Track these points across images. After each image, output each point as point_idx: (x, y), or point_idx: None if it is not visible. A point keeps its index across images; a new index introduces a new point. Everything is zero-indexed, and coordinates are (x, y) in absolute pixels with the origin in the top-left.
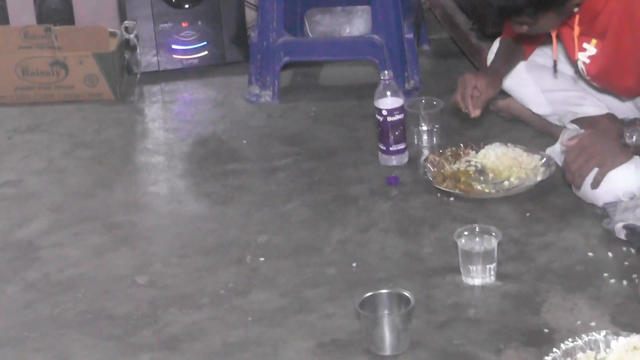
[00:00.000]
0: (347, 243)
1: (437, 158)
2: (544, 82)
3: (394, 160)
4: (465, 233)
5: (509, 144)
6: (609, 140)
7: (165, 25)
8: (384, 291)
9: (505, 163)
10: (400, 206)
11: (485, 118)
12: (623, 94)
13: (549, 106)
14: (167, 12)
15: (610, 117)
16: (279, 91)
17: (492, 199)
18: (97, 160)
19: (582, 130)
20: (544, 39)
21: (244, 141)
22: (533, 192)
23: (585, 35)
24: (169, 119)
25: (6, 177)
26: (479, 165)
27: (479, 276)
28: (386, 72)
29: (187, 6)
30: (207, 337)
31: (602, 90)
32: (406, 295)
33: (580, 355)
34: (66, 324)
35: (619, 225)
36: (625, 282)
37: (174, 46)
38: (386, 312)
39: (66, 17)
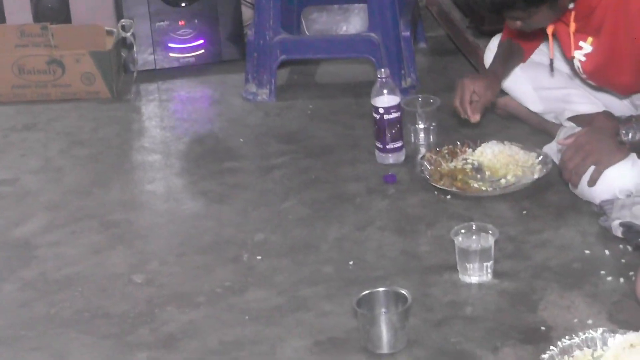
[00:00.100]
0: (344, 241)
1: (434, 156)
2: (539, 80)
3: (390, 158)
4: (462, 231)
5: (505, 142)
6: (605, 138)
7: (162, 23)
8: (381, 289)
9: (502, 161)
10: (397, 204)
11: (482, 116)
12: (619, 92)
13: (542, 104)
14: (164, 11)
15: (606, 114)
16: (275, 89)
17: (489, 197)
18: (93, 158)
19: (579, 128)
20: (542, 39)
21: (241, 139)
22: (530, 190)
23: (581, 32)
24: (165, 117)
25: (3, 175)
26: (476, 163)
27: (476, 274)
28: (383, 70)
29: (183, 4)
30: (204, 336)
31: (599, 88)
32: (403, 294)
33: (577, 352)
34: (63, 322)
35: (616, 222)
36: (622, 280)
37: (170, 44)
38: (383, 310)
39: (63, 15)
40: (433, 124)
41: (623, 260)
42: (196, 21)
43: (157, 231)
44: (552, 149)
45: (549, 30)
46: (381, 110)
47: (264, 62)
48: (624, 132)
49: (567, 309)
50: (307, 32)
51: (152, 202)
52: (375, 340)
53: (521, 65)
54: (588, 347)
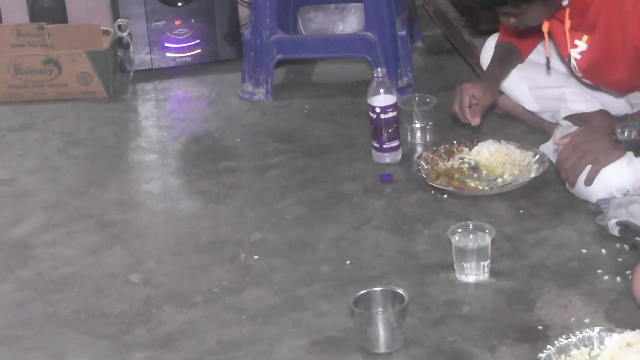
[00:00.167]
0: (341, 240)
1: (430, 155)
2: (534, 80)
3: (387, 158)
4: (459, 230)
5: (502, 141)
6: (602, 137)
7: (158, 23)
8: (378, 289)
9: (498, 160)
10: (393, 203)
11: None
12: (615, 90)
13: (537, 103)
14: (160, 10)
15: (603, 113)
16: (272, 89)
17: (486, 196)
18: (90, 158)
19: (575, 127)
20: (539, 40)
21: (238, 139)
22: (526, 189)
23: (577, 30)
24: (162, 117)
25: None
26: (473, 162)
27: (472, 273)
28: (379, 69)
29: (180, 4)
30: (201, 335)
31: (595, 87)
32: (400, 293)
33: (574, 352)
34: (60, 322)
35: (613, 221)
36: (619, 279)
37: (167, 44)
38: (380, 309)
39: (59, 15)
40: (430, 123)
41: (620, 259)
42: (192, 21)
43: (154, 231)
44: (548, 148)
45: (545, 28)
46: (378, 110)
47: (260, 62)
48: (619, 130)
49: (564, 307)
50: (303, 32)
51: (149, 201)
52: (372, 339)
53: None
54: (585, 346)
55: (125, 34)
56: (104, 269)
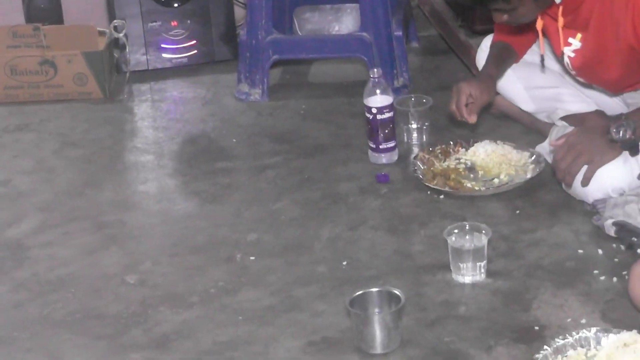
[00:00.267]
0: (337, 241)
1: (426, 156)
2: (530, 80)
3: (383, 158)
4: (455, 230)
5: (498, 141)
6: (597, 137)
7: (154, 24)
8: (375, 289)
9: (494, 160)
10: (390, 204)
11: (478, 117)
12: (609, 88)
13: (533, 104)
14: (156, 11)
15: (598, 113)
16: (268, 89)
17: (482, 196)
18: (86, 159)
19: (571, 127)
20: (534, 39)
21: (234, 139)
22: (523, 189)
23: (570, 28)
24: (158, 118)
25: None
26: (469, 163)
27: (469, 273)
28: (375, 69)
29: (176, 5)
30: (197, 336)
31: (590, 86)
32: (396, 293)
33: (570, 352)
34: (56, 323)
35: (609, 221)
36: (615, 279)
37: (163, 45)
38: (376, 310)
39: (55, 16)
40: (426, 123)
41: (616, 259)
42: (188, 21)
43: (150, 232)
44: (544, 148)
45: (539, 26)
46: (374, 110)
47: (256, 62)
48: (614, 130)
49: (561, 308)
50: (299, 32)
51: (145, 202)
52: (368, 340)
53: (512, 65)
54: (582, 346)
55: (121, 34)
56: (100, 269)
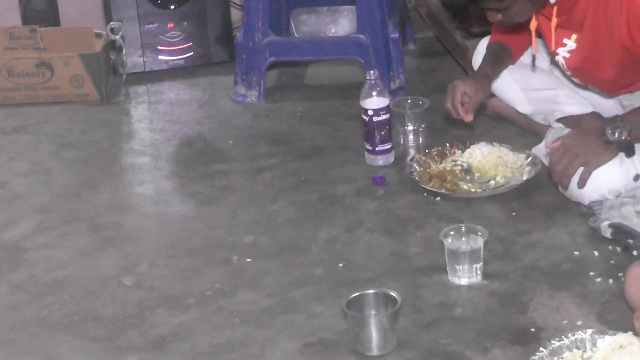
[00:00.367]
0: (333, 243)
1: (423, 157)
2: (526, 82)
3: (380, 160)
4: (452, 232)
5: (494, 143)
6: (593, 138)
7: (151, 26)
8: (371, 291)
9: (491, 162)
10: (386, 206)
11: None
12: (604, 89)
13: (530, 105)
14: (153, 13)
15: (594, 115)
16: (264, 91)
17: (478, 198)
18: (83, 161)
19: (567, 129)
20: (531, 41)
21: (230, 141)
22: (519, 191)
23: (565, 28)
24: (155, 120)
25: None
26: (465, 165)
27: (465, 275)
28: (372, 71)
29: (172, 7)
30: (194, 338)
31: (585, 87)
32: (393, 295)
33: (566, 354)
34: (53, 325)
35: (605, 223)
36: (611, 281)
37: (159, 47)
38: (373, 312)
39: (52, 18)
40: (422, 125)
41: (612, 261)
42: (185, 23)
43: (147, 233)
44: (540, 150)
45: (533, 26)
46: (370, 112)
47: (253, 64)
48: (610, 131)
49: (557, 309)
50: (296, 34)
51: (142, 204)
52: (365, 342)
53: (508, 67)
54: (578, 348)
55: (117, 36)
56: (97, 271)
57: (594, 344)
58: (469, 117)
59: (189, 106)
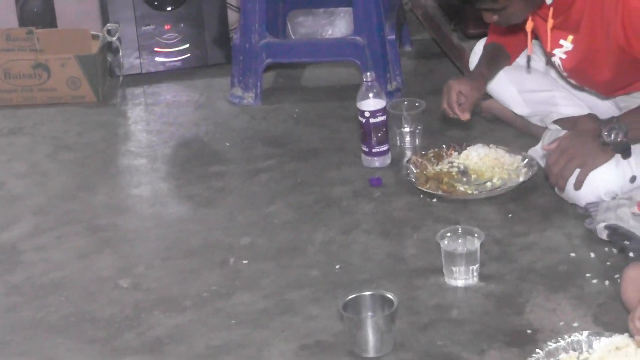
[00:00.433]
0: (330, 245)
1: (419, 159)
2: (524, 83)
3: (376, 162)
4: (448, 234)
5: (491, 145)
6: (589, 140)
7: (148, 27)
8: (367, 293)
9: (487, 164)
10: (383, 207)
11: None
12: (600, 91)
13: (527, 107)
14: (150, 15)
15: (591, 117)
16: (261, 93)
17: (475, 200)
18: (80, 163)
19: (564, 131)
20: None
21: (227, 143)
22: (515, 193)
23: (561, 30)
24: (151, 122)
25: None
26: (462, 167)
27: (462, 277)
28: (368, 73)
29: (169, 8)
30: (190, 340)
31: (581, 88)
32: (389, 297)
33: (563, 355)
34: (50, 327)
35: (601, 225)
36: (607, 282)
37: (156, 48)
38: (369, 314)
39: (48, 19)
40: (419, 127)
41: (608, 263)
42: (182, 25)
43: (144, 235)
44: (537, 152)
45: (529, 27)
46: (367, 114)
47: (249, 66)
48: (606, 133)
49: (553, 311)
50: (292, 36)
51: (139, 206)
52: (361, 343)
53: (505, 68)
54: (574, 350)
55: (114, 38)
56: (94, 273)
57: (590, 346)
58: (465, 116)
59: (185, 108)
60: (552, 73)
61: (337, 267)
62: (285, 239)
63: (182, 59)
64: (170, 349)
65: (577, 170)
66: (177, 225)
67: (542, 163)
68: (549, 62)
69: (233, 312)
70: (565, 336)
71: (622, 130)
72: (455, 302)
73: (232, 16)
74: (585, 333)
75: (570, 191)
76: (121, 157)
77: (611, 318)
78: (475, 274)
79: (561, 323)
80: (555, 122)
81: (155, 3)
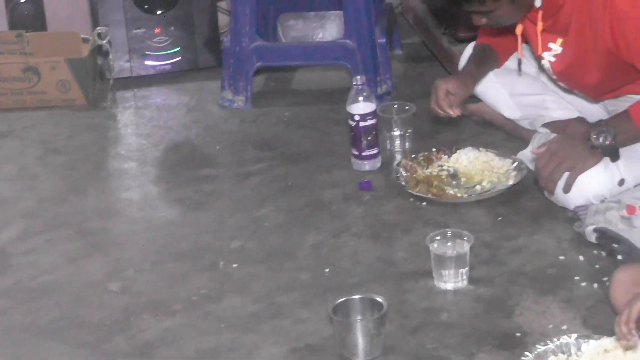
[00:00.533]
0: (320, 248)
1: (409, 162)
2: (514, 86)
3: (366, 165)
4: (438, 237)
5: (481, 148)
6: (578, 143)
7: (138, 31)
8: (357, 296)
9: (477, 167)
10: (373, 211)
11: (457, 122)
12: (589, 94)
13: (518, 110)
14: (140, 18)
15: (580, 120)
16: (252, 96)
17: (465, 203)
18: (69, 166)
19: (553, 135)
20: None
21: (217, 146)
22: (505, 196)
23: (551, 33)
24: (141, 125)
25: None
26: (452, 170)
27: (451, 280)
28: (358, 77)
29: (159, 12)
30: (180, 344)
31: (571, 92)
32: (379, 300)
33: (551, 358)
34: (39, 331)
35: (590, 228)
36: (596, 285)
37: (146, 52)
38: (359, 317)
39: (38, 23)
40: (409, 130)
41: (597, 266)
42: (172, 28)
43: (133, 239)
44: (526, 155)
45: (518, 30)
46: (357, 117)
47: (240, 69)
48: (594, 136)
49: (542, 314)
50: (283, 39)
51: (128, 209)
52: (351, 347)
53: (496, 71)
54: (563, 352)
55: (104, 41)
56: (83, 277)
57: (579, 348)
58: (455, 112)
59: (176, 111)
60: (543, 77)
61: (327, 270)
62: (275, 243)
63: (172, 62)
64: (160, 353)
65: (566, 174)
66: (167, 228)
67: (532, 166)
68: (540, 67)
69: (223, 316)
70: (554, 339)
71: (611, 134)
72: (444, 305)
73: (223, 19)
74: (574, 336)
75: (559, 194)
76: (111, 161)
77: (600, 321)
78: (464, 277)
79: (550, 326)
80: (545, 125)
81: (146, 6)
